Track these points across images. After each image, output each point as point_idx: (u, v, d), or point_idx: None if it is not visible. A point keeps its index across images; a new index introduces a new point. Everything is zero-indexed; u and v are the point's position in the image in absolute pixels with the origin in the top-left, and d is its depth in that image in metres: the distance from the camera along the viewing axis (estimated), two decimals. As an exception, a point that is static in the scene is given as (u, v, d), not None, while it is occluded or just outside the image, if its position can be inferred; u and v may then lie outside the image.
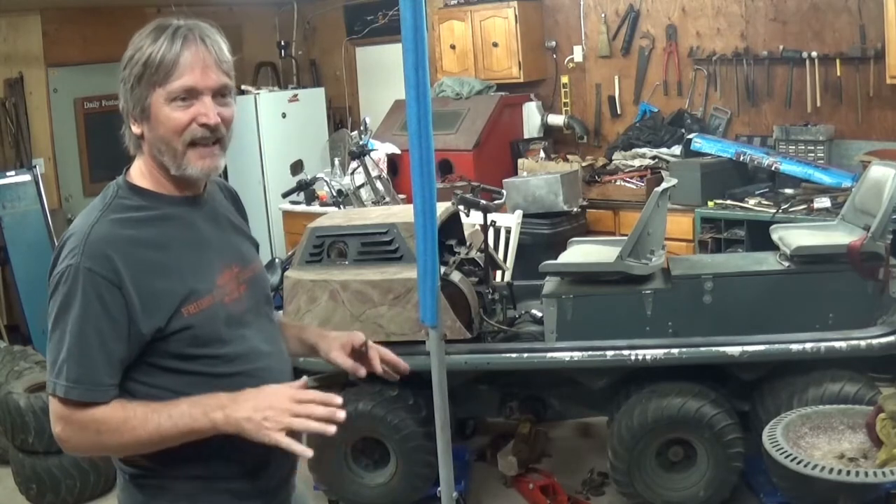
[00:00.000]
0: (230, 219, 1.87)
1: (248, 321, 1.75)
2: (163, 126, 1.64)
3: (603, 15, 6.35)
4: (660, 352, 3.47)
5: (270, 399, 1.58)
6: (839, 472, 2.55)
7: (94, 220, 1.62)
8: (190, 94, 1.63)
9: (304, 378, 1.66)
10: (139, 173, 1.71)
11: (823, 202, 4.91)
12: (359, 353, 1.93)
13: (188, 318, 1.63)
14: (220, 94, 1.67)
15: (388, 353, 1.97)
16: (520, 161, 6.29)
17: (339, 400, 1.61)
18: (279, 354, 1.84)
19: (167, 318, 1.61)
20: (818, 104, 5.44)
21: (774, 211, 4.98)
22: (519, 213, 5.01)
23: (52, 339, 1.59)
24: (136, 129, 1.67)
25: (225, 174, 2.01)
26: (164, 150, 1.66)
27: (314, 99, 7.57)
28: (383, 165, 6.23)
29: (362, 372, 1.91)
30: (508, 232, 4.85)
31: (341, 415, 1.58)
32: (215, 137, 1.67)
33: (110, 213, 1.64)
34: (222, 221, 1.82)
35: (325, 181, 5.79)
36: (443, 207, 3.78)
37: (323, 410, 1.58)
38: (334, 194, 5.62)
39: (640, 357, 3.47)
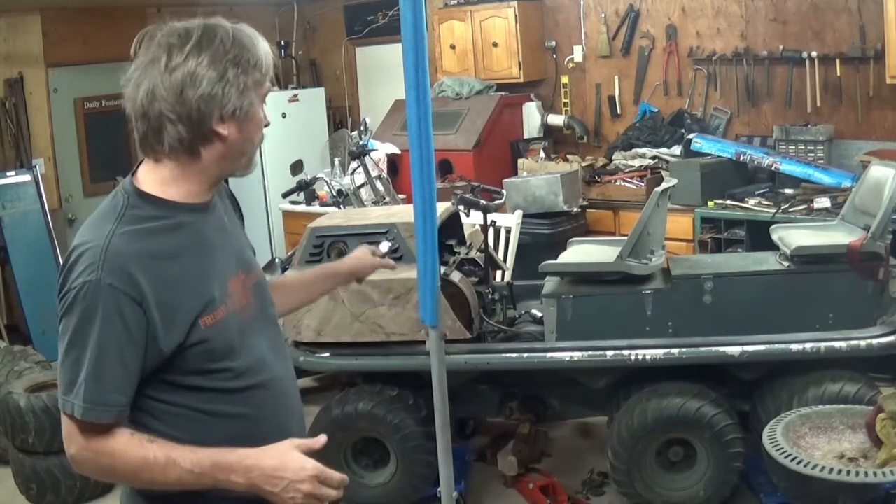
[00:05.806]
0: (235, 223, 1.84)
1: (255, 330, 1.73)
2: (255, 127, 1.67)
3: (603, 15, 6.35)
4: (660, 352, 3.47)
5: (296, 471, 1.56)
6: (839, 472, 2.55)
7: (109, 233, 1.55)
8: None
9: (323, 437, 1.64)
10: (150, 180, 1.65)
11: (823, 202, 4.91)
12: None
13: (205, 330, 1.60)
14: None
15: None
16: (520, 161, 6.29)
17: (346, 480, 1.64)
18: (284, 361, 1.82)
19: (186, 331, 1.58)
20: (818, 104, 5.44)
21: (774, 211, 4.98)
22: (519, 213, 5.01)
23: (67, 356, 1.54)
24: (223, 130, 1.62)
25: (224, 173, 1.98)
26: (246, 150, 1.68)
27: (314, 99, 7.56)
28: (383, 165, 6.23)
29: (392, 264, 2.25)
30: (508, 232, 4.85)
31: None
32: None
33: (125, 225, 1.58)
34: (228, 227, 1.79)
35: (325, 181, 5.79)
36: (443, 207, 3.78)
37: (335, 494, 1.60)
38: (334, 194, 5.62)
39: (640, 357, 3.48)
